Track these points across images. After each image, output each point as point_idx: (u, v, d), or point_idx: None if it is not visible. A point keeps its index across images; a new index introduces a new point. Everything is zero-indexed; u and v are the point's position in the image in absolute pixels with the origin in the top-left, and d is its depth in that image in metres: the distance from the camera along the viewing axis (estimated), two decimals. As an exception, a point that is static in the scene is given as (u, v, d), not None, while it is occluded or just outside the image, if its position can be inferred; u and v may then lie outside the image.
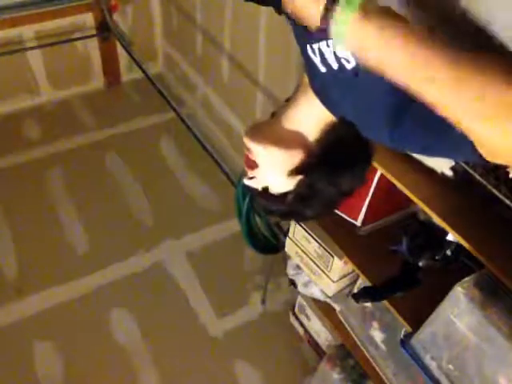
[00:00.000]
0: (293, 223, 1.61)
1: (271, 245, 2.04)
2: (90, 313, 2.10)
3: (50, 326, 2.05)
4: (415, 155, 1.15)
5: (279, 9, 0.57)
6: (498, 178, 1.01)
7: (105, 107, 3.10)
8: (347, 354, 1.70)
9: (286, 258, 1.84)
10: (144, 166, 2.75)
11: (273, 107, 0.92)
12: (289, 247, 1.68)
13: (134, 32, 3.11)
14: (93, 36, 2.99)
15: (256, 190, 0.88)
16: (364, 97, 0.66)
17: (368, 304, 1.56)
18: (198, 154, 2.58)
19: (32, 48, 2.83)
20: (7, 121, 2.94)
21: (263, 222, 2.01)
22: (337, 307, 1.69)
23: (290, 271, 1.80)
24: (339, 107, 0.75)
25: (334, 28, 0.51)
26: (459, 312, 1.02)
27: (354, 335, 1.63)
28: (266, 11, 2.03)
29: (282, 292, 2.21)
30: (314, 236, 1.52)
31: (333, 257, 1.47)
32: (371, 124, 0.70)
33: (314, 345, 2.00)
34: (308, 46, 0.70)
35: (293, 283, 1.79)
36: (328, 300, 1.68)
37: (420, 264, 1.24)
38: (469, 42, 0.50)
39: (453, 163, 1.11)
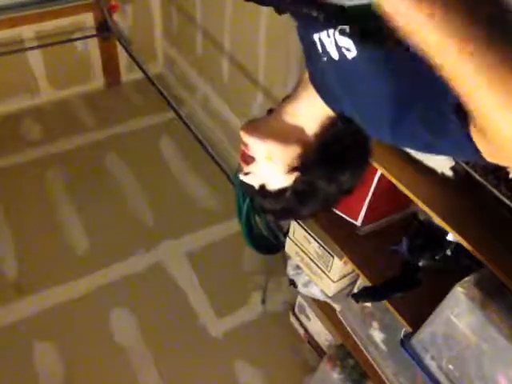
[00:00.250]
0: (293, 223, 1.60)
1: (271, 245, 2.04)
2: (90, 313, 2.10)
3: (50, 326, 2.05)
4: (415, 155, 1.15)
5: (279, 9, 0.57)
6: (498, 177, 1.01)
7: (105, 107, 3.09)
8: (347, 354, 1.70)
9: (285, 257, 1.84)
10: (144, 166, 2.75)
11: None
12: (289, 247, 1.68)
13: (133, 32, 3.10)
14: (93, 36, 2.99)
15: (252, 187, 0.86)
16: (365, 89, 0.65)
17: (368, 304, 1.56)
18: (198, 153, 2.58)
19: (32, 48, 2.83)
20: (7, 121, 2.94)
21: (263, 222, 2.01)
22: (337, 307, 1.69)
23: (290, 271, 1.80)
24: (339, 102, 0.74)
25: None
26: (459, 312, 1.02)
27: (353, 335, 1.63)
28: (266, 11, 2.03)
29: (281, 292, 2.20)
30: (314, 236, 1.52)
31: (333, 257, 1.47)
32: (372, 119, 0.68)
33: (314, 345, 2.00)
34: (309, 37, 0.70)
35: (293, 283, 1.79)
36: (328, 300, 1.68)
37: (420, 264, 1.24)
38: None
39: (453, 163, 1.11)
